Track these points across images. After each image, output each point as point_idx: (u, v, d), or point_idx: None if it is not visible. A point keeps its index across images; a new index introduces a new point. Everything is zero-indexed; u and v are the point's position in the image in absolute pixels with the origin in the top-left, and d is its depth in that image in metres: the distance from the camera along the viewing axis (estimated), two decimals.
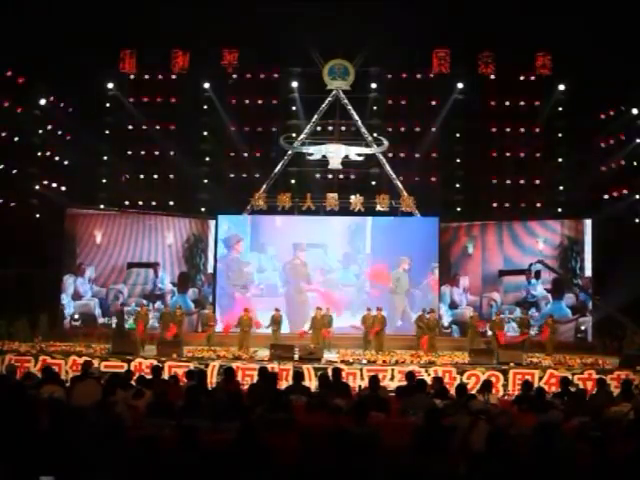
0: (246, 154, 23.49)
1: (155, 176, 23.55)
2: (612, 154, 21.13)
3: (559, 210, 22.66)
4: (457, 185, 23.31)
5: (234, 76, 23.38)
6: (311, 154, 22.40)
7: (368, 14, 20.40)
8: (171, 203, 23.36)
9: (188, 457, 5.02)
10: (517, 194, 23.24)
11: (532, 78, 22.94)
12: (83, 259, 20.60)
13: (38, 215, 21.23)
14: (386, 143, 22.39)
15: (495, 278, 21.27)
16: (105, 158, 23.25)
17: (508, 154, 23.28)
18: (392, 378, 13.32)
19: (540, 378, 13.27)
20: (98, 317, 20.57)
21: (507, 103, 23.29)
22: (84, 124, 21.18)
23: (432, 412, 6.36)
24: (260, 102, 23.67)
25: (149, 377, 9.59)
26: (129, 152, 23.42)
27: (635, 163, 20.67)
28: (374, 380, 8.97)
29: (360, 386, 12.04)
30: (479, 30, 20.52)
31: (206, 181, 23.55)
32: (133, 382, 8.89)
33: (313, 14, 20.17)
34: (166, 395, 7.57)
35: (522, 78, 23.07)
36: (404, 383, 10.24)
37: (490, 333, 18.27)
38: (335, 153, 22.02)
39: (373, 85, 23.28)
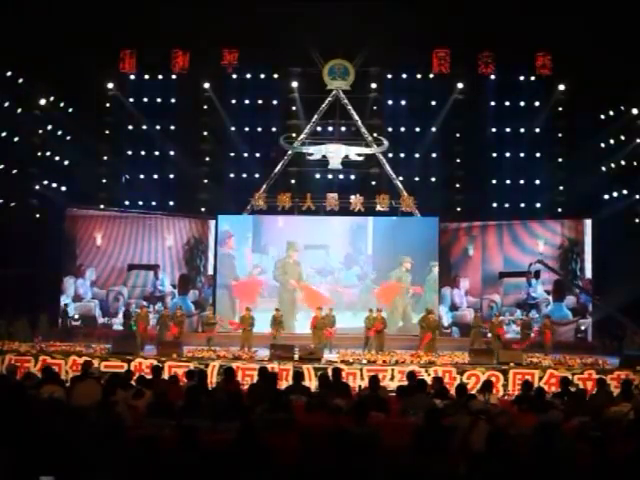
0: (246, 154, 23.51)
1: (155, 176, 23.58)
2: (612, 154, 21.10)
3: (559, 210, 22.66)
4: (457, 185, 23.32)
5: (234, 76, 23.39)
6: (311, 154, 22.42)
7: (368, 14, 20.45)
8: (171, 203, 23.42)
9: (188, 457, 5.02)
10: (517, 194, 23.21)
11: (532, 78, 22.88)
12: (83, 260, 20.63)
13: (38, 215, 21.22)
14: (386, 143, 22.40)
15: (495, 279, 21.29)
16: (105, 158, 23.25)
17: (508, 154, 23.28)
18: (392, 378, 13.26)
19: (540, 378, 13.20)
20: (98, 317, 20.59)
21: (507, 103, 23.30)
22: (84, 124, 21.21)
23: (432, 412, 6.36)
24: (260, 102, 23.68)
25: (149, 377, 9.58)
26: (129, 152, 23.45)
27: (635, 163, 20.61)
28: (374, 380, 8.96)
29: (360, 386, 11.99)
30: (479, 30, 20.52)
31: (206, 181, 23.56)
32: (133, 382, 8.88)
33: (313, 14, 20.17)
34: (166, 395, 7.56)
35: (522, 78, 23.01)
36: (404, 383, 10.23)
37: (490, 335, 18.25)
38: (335, 153, 22.03)
39: (373, 85, 23.27)
